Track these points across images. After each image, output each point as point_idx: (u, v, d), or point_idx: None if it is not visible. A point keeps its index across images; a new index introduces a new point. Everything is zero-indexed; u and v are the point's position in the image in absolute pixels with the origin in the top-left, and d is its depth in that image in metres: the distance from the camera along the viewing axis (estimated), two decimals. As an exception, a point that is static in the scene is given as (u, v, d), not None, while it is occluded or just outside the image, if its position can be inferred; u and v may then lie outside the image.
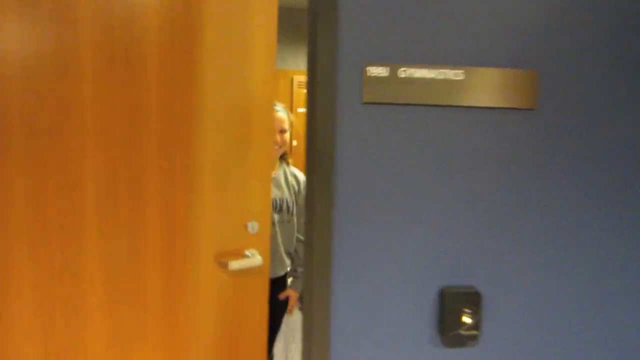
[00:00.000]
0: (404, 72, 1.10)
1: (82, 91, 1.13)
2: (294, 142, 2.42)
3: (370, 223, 1.11)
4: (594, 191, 1.17)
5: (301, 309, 2.55)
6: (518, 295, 1.16)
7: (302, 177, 2.34)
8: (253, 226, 1.38)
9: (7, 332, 1.11)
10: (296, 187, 2.28)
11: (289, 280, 2.40)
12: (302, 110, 7.75)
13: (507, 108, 1.13)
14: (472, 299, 1.10)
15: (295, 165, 2.39)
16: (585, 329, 1.19)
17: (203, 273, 1.30)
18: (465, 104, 1.11)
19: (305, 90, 7.68)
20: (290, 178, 2.30)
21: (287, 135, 2.21)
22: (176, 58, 1.22)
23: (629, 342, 1.21)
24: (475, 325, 1.11)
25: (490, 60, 1.12)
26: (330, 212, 1.09)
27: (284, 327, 3.69)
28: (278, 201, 2.21)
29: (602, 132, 1.17)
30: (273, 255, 2.22)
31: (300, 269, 2.36)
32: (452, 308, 1.10)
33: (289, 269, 2.37)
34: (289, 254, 2.30)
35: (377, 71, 1.09)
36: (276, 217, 2.21)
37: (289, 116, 2.24)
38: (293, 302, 2.36)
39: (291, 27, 8.03)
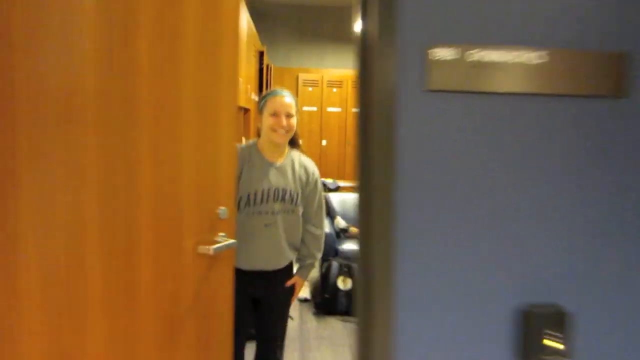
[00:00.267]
0: (473, 55, 0.93)
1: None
2: (299, 142, 2.37)
3: (437, 234, 0.95)
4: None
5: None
6: (614, 316, 0.99)
7: (312, 168, 2.27)
8: (223, 212, 1.47)
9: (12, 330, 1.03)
10: (304, 179, 2.20)
11: (295, 268, 2.32)
12: (307, 109, 7.61)
13: (593, 96, 0.97)
14: (558, 320, 0.94)
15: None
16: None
17: (186, 258, 1.37)
18: (546, 92, 0.95)
19: (311, 89, 7.54)
20: (299, 168, 2.20)
21: (293, 120, 2.13)
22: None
23: None
24: (563, 350, 0.94)
25: (574, 41, 0.95)
26: (390, 226, 0.93)
27: (298, 334, 3.55)
28: (280, 190, 2.11)
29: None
30: (271, 245, 2.13)
31: (309, 260, 2.29)
32: (534, 330, 0.94)
33: (292, 260, 2.27)
34: (291, 246, 2.20)
35: (442, 54, 0.93)
36: (277, 206, 2.11)
37: (295, 102, 2.18)
38: (299, 289, 2.31)
39: (296, 25, 7.88)
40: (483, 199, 0.95)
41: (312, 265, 2.31)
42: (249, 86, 4.14)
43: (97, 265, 1.13)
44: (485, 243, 0.96)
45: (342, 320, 3.78)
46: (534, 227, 0.97)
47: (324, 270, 3.93)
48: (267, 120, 2.11)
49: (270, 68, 6.15)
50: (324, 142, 7.63)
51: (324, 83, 7.59)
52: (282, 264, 2.18)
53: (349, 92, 7.57)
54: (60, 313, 1.07)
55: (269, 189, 2.09)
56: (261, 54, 5.16)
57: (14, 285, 1.00)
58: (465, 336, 0.96)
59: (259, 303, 2.22)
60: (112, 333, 1.18)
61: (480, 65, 0.93)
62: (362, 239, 1.00)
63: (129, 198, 1.19)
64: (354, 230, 4.43)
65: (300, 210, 2.18)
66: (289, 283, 2.25)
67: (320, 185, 2.29)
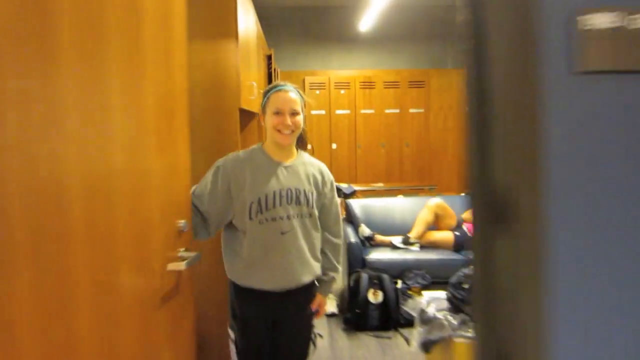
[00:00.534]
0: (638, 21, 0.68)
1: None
2: (309, 146, 2.09)
3: (601, 266, 0.69)
4: None
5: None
6: None
7: (326, 169, 1.99)
8: (184, 225, 1.38)
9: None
10: (319, 179, 1.93)
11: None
12: (316, 112, 7.36)
13: None
14: None
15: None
16: None
17: (155, 276, 1.24)
18: None
19: (318, 91, 7.29)
20: (311, 168, 1.93)
21: (299, 118, 1.85)
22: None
23: None
24: None
25: None
26: (539, 259, 0.67)
27: (329, 354, 3.28)
28: (293, 191, 1.83)
29: None
30: (292, 257, 1.83)
31: (332, 273, 2.00)
32: None
33: (317, 274, 1.97)
34: (314, 256, 1.91)
35: (596, 21, 0.68)
36: (292, 210, 1.83)
37: (302, 97, 1.89)
38: (322, 309, 2.02)
39: (300, 26, 7.65)
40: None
41: (334, 280, 2.02)
42: (261, 91, 3.91)
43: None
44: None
45: (375, 337, 3.52)
46: None
47: (352, 283, 3.67)
48: (270, 120, 1.83)
49: (277, 72, 5.91)
50: (334, 146, 7.38)
51: (331, 85, 7.35)
52: (306, 279, 1.88)
53: (357, 93, 7.33)
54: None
55: (280, 191, 1.80)
56: (269, 58, 4.94)
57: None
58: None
59: (277, 326, 1.92)
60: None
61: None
62: (484, 291, 0.75)
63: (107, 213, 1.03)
64: (378, 238, 4.17)
65: (317, 213, 1.91)
66: (314, 306, 1.97)
67: (335, 189, 2.02)
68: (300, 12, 7.57)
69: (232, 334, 1.96)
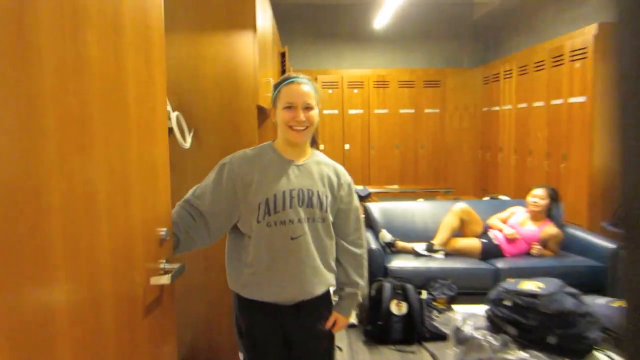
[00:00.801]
0: None
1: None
2: (321, 147, 1.89)
3: None
4: None
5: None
6: None
7: (343, 170, 1.79)
8: (165, 233, 1.30)
9: None
10: (335, 181, 1.73)
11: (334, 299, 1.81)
12: (328, 112, 7.17)
13: None
14: None
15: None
16: None
17: (137, 289, 1.16)
18: None
19: (331, 91, 7.09)
20: (325, 169, 1.73)
21: (313, 113, 1.66)
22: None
23: None
24: None
25: None
26: None
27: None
28: (306, 192, 1.64)
29: None
30: (303, 265, 1.64)
31: (348, 289, 1.78)
32: None
33: (331, 287, 1.76)
34: (327, 265, 1.71)
35: None
36: (303, 213, 1.63)
37: (316, 90, 1.69)
38: (340, 328, 1.79)
39: (312, 25, 7.47)
40: None
41: (355, 296, 1.79)
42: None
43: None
44: None
45: (397, 350, 3.31)
46: None
47: (374, 292, 3.46)
48: (281, 115, 1.64)
49: (290, 71, 5.74)
50: (346, 146, 7.18)
51: (344, 84, 7.16)
52: (319, 289, 1.68)
53: (370, 92, 7.14)
54: None
55: (290, 191, 1.61)
56: (282, 55, 4.76)
57: None
58: None
59: (292, 348, 1.72)
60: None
61: None
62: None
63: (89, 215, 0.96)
64: (400, 244, 3.96)
65: (331, 219, 1.70)
66: (328, 324, 1.75)
67: (355, 192, 1.80)
68: (313, 10, 7.38)
69: (241, 357, 1.76)
